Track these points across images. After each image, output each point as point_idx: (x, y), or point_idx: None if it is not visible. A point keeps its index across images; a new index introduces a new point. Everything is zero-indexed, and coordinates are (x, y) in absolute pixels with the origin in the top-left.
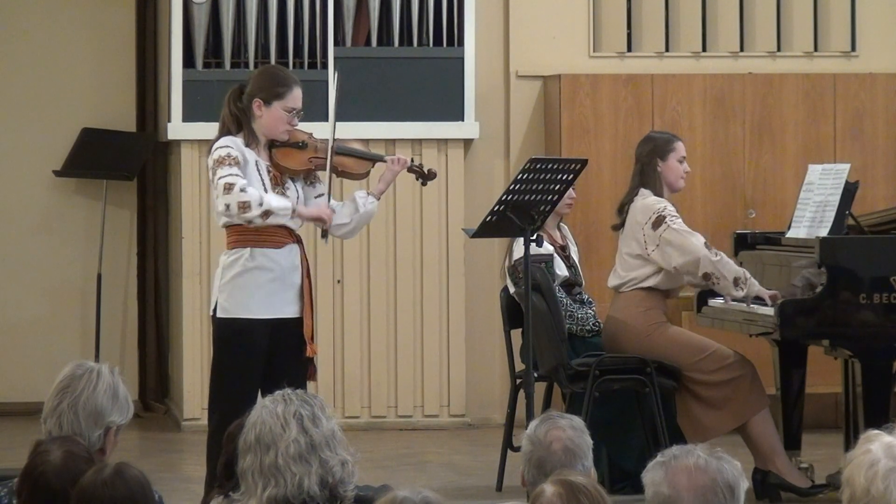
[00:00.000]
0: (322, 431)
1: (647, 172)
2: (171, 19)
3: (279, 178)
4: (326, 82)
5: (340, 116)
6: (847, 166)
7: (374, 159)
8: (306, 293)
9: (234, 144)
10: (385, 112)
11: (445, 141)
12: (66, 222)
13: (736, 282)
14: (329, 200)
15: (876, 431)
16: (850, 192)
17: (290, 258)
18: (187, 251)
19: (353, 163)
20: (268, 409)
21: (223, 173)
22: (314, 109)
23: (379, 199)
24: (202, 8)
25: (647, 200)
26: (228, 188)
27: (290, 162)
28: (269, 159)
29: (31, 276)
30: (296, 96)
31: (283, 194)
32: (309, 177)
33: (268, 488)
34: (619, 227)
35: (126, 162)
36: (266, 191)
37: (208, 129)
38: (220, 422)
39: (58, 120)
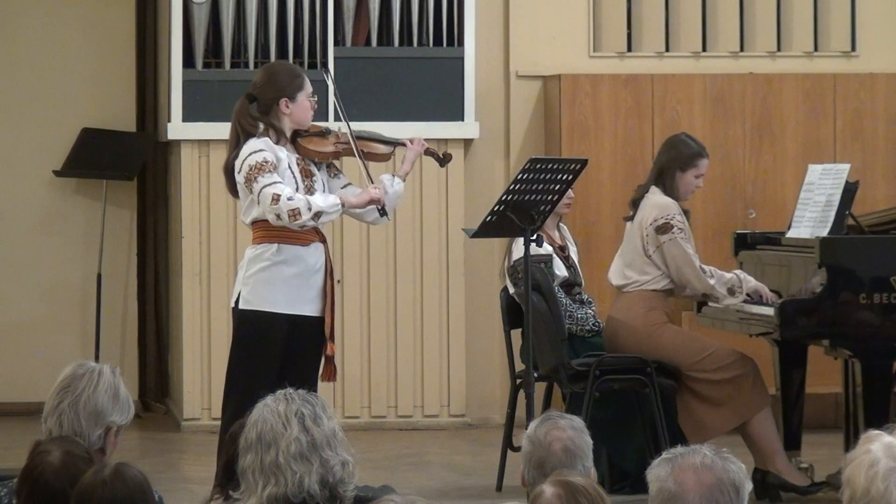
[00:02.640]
0: (323, 431)
1: (664, 175)
2: (171, 19)
3: (307, 170)
4: (326, 82)
5: (341, 117)
6: (847, 166)
7: (394, 143)
8: (329, 293)
9: (267, 147)
10: (385, 112)
11: (445, 141)
12: (66, 222)
13: (731, 291)
14: (370, 181)
15: (876, 431)
16: (850, 192)
17: (315, 256)
18: (187, 251)
19: (377, 145)
20: (269, 408)
21: (265, 181)
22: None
23: (404, 179)
24: (202, 8)
25: (657, 198)
26: (276, 199)
27: (319, 146)
28: (295, 151)
29: (31, 276)
30: (308, 80)
31: (312, 187)
32: (331, 168)
33: (268, 487)
34: (630, 218)
35: (126, 162)
36: (298, 189)
37: (208, 129)
38: (234, 414)
39: (58, 120)
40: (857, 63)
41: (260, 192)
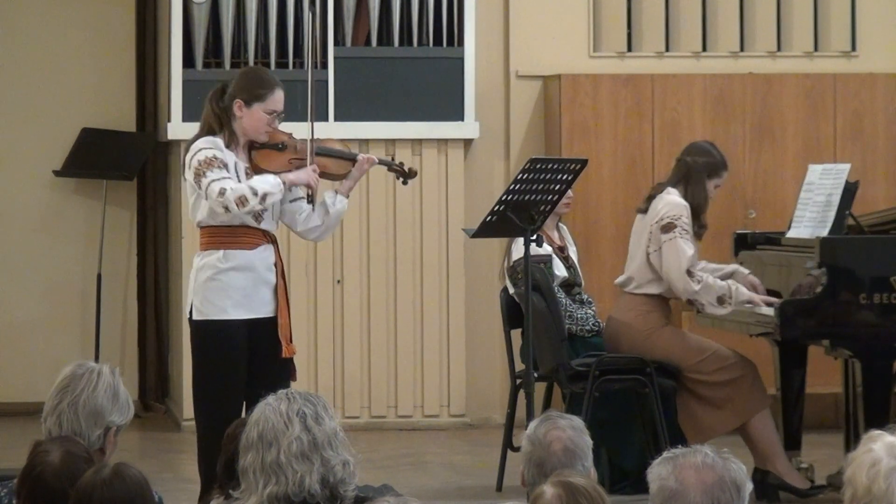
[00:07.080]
0: (325, 430)
1: (691, 178)
2: (171, 19)
3: None
4: (327, 82)
5: (341, 116)
6: (847, 166)
7: (351, 158)
8: (281, 293)
9: (214, 146)
10: (385, 112)
11: (445, 141)
12: (66, 222)
13: (720, 300)
14: (314, 201)
15: (878, 431)
16: (850, 192)
17: (263, 257)
18: (187, 251)
19: (333, 164)
20: (271, 407)
21: (214, 176)
22: (315, 109)
23: (347, 196)
24: (202, 8)
25: (671, 197)
26: (222, 192)
27: (269, 165)
28: (248, 161)
29: (31, 276)
30: (277, 99)
31: None
32: None
33: (269, 486)
34: (643, 210)
35: (126, 162)
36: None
37: None
38: (207, 426)
39: (58, 120)
40: (857, 63)
41: (208, 186)
